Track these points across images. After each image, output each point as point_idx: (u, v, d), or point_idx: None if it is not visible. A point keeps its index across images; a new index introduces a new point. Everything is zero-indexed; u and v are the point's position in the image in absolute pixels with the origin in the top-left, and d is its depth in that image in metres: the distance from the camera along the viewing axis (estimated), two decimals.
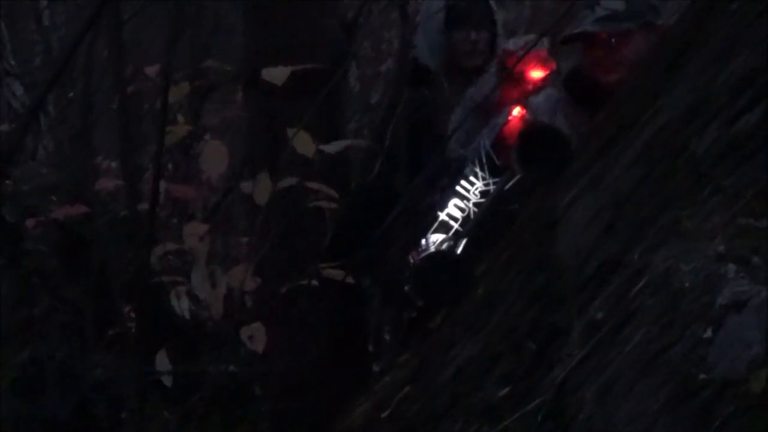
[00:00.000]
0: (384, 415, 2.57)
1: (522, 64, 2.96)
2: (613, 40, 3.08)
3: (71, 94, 5.40)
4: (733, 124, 1.83)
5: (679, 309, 1.54)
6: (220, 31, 5.75)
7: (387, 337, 3.79)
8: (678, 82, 2.19)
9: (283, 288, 3.01)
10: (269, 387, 3.71)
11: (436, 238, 2.91)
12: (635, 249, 1.82)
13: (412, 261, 2.91)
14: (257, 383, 3.69)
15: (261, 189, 2.76)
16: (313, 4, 3.88)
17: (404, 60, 3.40)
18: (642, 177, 2.04)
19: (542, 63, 3.00)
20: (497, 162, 2.92)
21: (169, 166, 5.57)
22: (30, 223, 3.70)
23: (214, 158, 2.64)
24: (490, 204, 2.92)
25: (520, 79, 3.01)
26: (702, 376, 1.39)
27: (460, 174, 2.94)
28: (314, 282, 2.88)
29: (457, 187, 2.94)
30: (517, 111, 2.94)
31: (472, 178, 2.94)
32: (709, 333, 1.44)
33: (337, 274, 2.82)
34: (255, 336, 2.67)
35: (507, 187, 2.91)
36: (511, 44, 3.23)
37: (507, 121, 2.95)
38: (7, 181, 3.88)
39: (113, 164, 5.32)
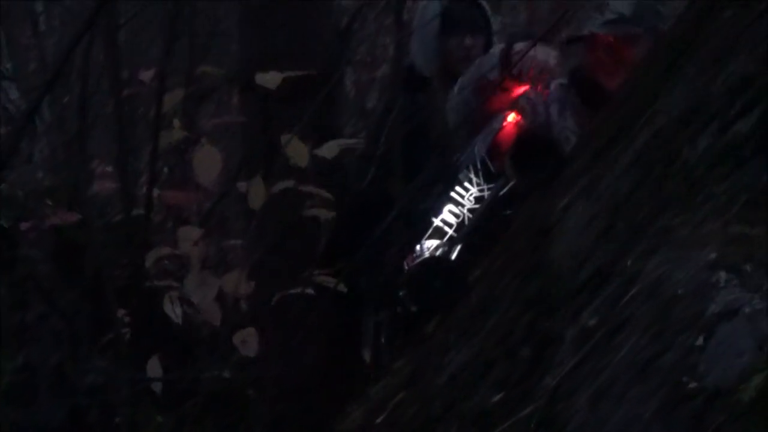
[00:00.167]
0: (378, 420, 2.57)
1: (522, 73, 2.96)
2: (617, 43, 3.08)
3: (67, 99, 5.40)
4: (727, 130, 1.83)
5: (672, 316, 1.54)
6: (216, 35, 5.75)
7: (382, 342, 3.79)
8: (673, 88, 2.19)
9: (278, 294, 3.00)
10: (263, 392, 3.71)
11: (430, 244, 2.92)
12: (628, 256, 1.83)
13: (406, 266, 2.91)
14: (251, 388, 3.69)
15: (255, 193, 2.76)
16: (309, 9, 3.88)
17: (399, 65, 3.40)
18: (636, 183, 2.05)
19: (534, 78, 2.98)
20: (492, 168, 2.93)
21: (165, 170, 5.57)
22: (24, 227, 3.69)
23: (207, 164, 2.64)
24: (484, 210, 2.92)
25: (516, 84, 3.01)
26: (693, 384, 1.39)
27: (455, 180, 2.95)
28: (308, 289, 2.88)
29: (452, 193, 2.95)
30: (511, 117, 2.94)
31: (466, 184, 2.94)
32: (701, 341, 1.44)
33: (330, 280, 2.82)
34: (247, 341, 2.67)
35: (501, 193, 2.91)
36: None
37: (501, 127, 2.95)
38: (2, 185, 3.88)
39: (109, 168, 5.32)
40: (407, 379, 2.63)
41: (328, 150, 2.93)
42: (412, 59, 3.57)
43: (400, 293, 2.85)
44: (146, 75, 2.88)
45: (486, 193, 2.93)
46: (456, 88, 3.17)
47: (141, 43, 5.98)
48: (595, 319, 1.78)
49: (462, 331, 2.47)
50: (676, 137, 2.00)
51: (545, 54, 3.01)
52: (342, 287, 2.84)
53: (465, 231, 2.91)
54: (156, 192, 3.11)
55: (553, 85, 3.20)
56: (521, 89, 2.99)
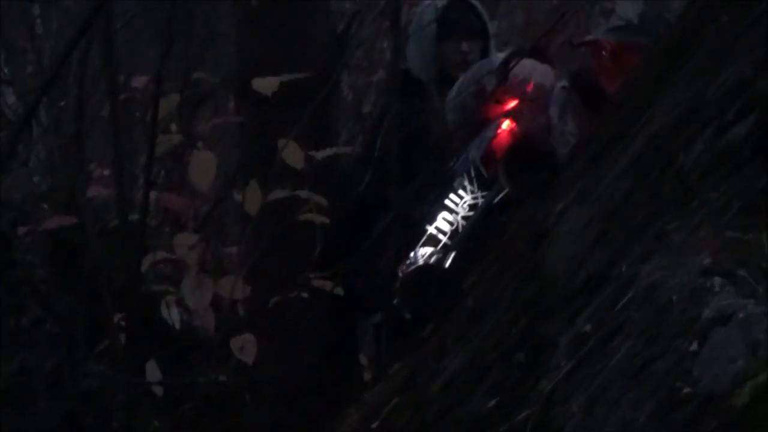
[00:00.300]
0: (374, 425, 2.57)
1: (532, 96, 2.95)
2: (622, 51, 3.08)
3: (63, 102, 5.39)
4: (722, 136, 1.84)
5: (666, 321, 1.55)
6: (213, 39, 5.75)
7: (378, 346, 3.79)
8: (669, 92, 2.20)
9: (274, 298, 3.01)
10: (260, 396, 3.71)
11: (424, 252, 2.92)
12: (623, 261, 1.83)
13: (400, 274, 2.91)
14: (248, 392, 3.69)
15: (252, 199, 2.76)
16: (305, 13, 3.88)
17: (395, 70, 3.41)
18: (631, 188, 2.05)
19: (521, 99, 2.97)
20: (486, 175, 2.93)
21: (161, 174, 5.57)
22: (21, 231, 3.70)
23: (203, 168, 2.64)
24: (478, 217, 2.92)
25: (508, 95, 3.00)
26: (687, 389, 1.40)
27: (449, 187, 2.95)
28: (304, 293, 2.88)
29: (446, 201, 2.95)
30: (506, 124, 2.94)
31: (460, 192, 2.94)
32: (695, 346, 1.45)
33: (326, 284, 2.83)
34: (245, 347, 2.67)
35: (495, 200, 2.91)
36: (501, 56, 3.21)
37: (496, 135, 2.95)
38: None
39: (105, 172, 5.32)
40: (403, 384, 2.64)
41: (323, 153, 2.93)
42: (408, 64, 3.58)
43: (394, 301, 2.85)
44: (142, 80, 2.89)
45: (480, 201, 2.93)
46: (455, 89, 3.17)
47: (138, 46, 5.98)
48: (590, 324, 1.78)
49: (457, 336, 2.47)
50: (671, 142, 2.01)
51: (543, 75, 3.00)
52: (339, 290, 2.85)
53: (459, 238, 2.90)
54: (153, 196, 3.11)
55: (555, 89, 3.20)
56: (514, 103, 2.99)
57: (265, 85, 2.72)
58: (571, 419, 1.65)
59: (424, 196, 3.04)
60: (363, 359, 4.19)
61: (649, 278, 1.67)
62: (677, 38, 2.45)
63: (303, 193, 2.84)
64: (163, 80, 2.64)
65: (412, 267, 2.88)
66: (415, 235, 2.94)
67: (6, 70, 5.73)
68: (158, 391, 2.73)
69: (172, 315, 2.95)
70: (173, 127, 3.20)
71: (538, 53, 3.04)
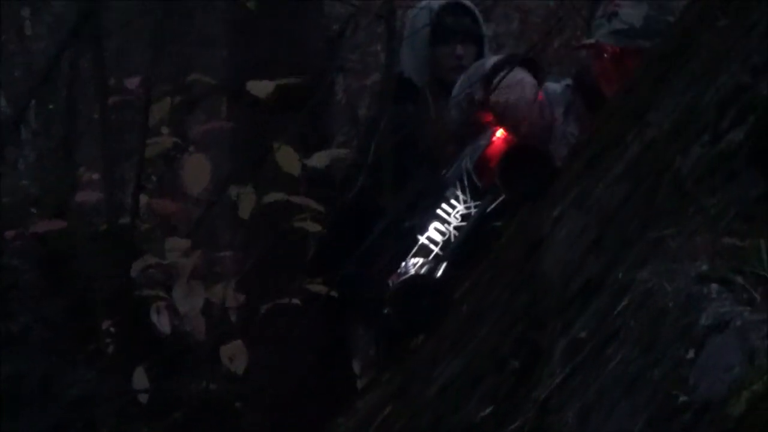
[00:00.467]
0: None
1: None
2: (624, 55, 3.06)
3: (53, 105, 5.39)
4: (718, 142, 1.84)
5: (662, 329, 1.55)
6: (206, 43, 5.75)
7: (371, 354, 3.79)
8: (665, 98, 2.20)
9: (266, 305, 3.01)
10: (251, 405, 3.71)
11: (415, 262, 2.91)
12: (619, 267, 1.83)
13: (391, 284, 2.90)
14: (239, 401, 3.69)
15: (245, 203, 2.76)
16: (298, 17, 3.89)
17: (390, 74, 3.40)
18: (627, 194, 2.05)
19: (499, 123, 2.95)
20: (479, 185, 2.91)
21: (153, 178, 5.56)
22: (9, 235, 3.68)
23: (196, 172, 2.64)
24: (471, 228, 2.90)
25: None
26: (683, 398, 1.40)
27: (442, 197, 2.93)
28: (296, 300, 2.88)
29: (438, 210, 2.93)
30: (500, 132, 2.93)
31: (453, 201, 2.93)
32: (691, 354, 1.45)
33: (319, 291, 2.82)
34: (236, 355, 2.67)
35: (489, 210, 2.90)
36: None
37: (490, 143, 2.94)
38: None
39: (95, 176, 5.31)
40: (396, 392, 2.63)
41: (319, 160, 2.93)
42: (401, 68, 3.57)
43: (385, 311, 2.84)
44: (133, 82, 2.89)
45: (473, 211, 2.92)
46: (456, 88, 3.16)
47: (130, 50, 5.98)
48: (585, 331, 1.78)
49: (451, 343, 2.47)
50: (668, 147, 2.01)
51: (519, 98, 2.95)
52: (331, 297, 2.84)
53: (451, 249, 2.89)
54: (144, 200, 3.11)
55: (560, 87, 3.19)
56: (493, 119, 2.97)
57: (260, 88, 2.73)
58: (566, 428, 1.65)
59: (417, 205, 3.03)
60: (356, 366, 4.19)
61: (645, 285, 1.67)
62: (674, 42, 2.46)
63: (297, 199, 2.84)
64: (155, 83, 2.65)
65: (403, 277, 2.87)
66: (407, 245, 2.93)
67: None
68: (143, 398, 2.73)
69: (162, 321, 2.94)
70: (165, 130, 3.20)
71: (529, 63, 3.02)
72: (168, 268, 2.86)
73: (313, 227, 2.80)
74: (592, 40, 3.16)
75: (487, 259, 2.71)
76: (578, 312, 1.88)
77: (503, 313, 2.25)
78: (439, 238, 2.92)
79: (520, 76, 2.95)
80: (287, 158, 2.70)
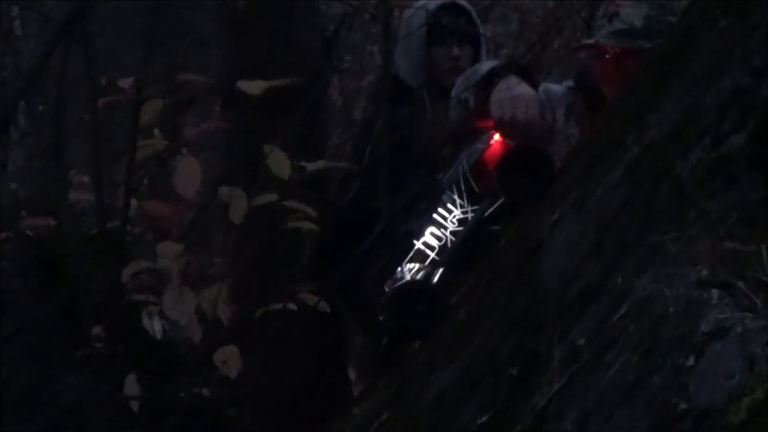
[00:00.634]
0: None
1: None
2: (624, 56, 3.07)
3: (42, 106, 5.39)
4: (719, 145, 1.85)
5: (662, 335, 1.55)
6: (198, 43, 5.75)
7: (367, 360, 3.79)
8: (665, 101, 2.20)
9: (259, 311, 3.00)
10: (244, 411, 3.71)
11: (411, 267, 2.90)
12: (618, 273, 1.83)
13: (386, 289, 2.89)
14: (232, 407, 3.68)
15: (237, 207, 2.76)
16: (293, 17, 3.89)
17: (386, 75, 3.40)
18: (626, 199, 2.05)
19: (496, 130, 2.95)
20: (476, 189, 2.91)
21: (145, 181, 5.56)
22: None
23: (187, 175, 2.64)
24: (468, 232, 2.90)
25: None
26: (683, 405, 1.40)
27: (438, 201, 2.93)
28: (290, 305, 2.88)
29: (434, 215, 2.93)
30: (497, 136, 2.93)
31: (449, 206, 2.92)
32: (691, 361, 1.45)
33: (311, 298, 2.82)
34: (229, 360, 2.66)
35: (486, 214, 2.89)
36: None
37: (488, 146, 2.94)
38: None
39: (86, 179, 5.31)
40: (391, 399, 2.63)
41: (313, 165, 2.93)
42: (396, 69, 3.57)
43: (380, 318, 2.84)
44: (125, 83, 2.88)
45: (470, 215, 2.91)
46: (453, 92, 3.16)
47: (122, 49, 5.98)
48: (584, 337, 1.78)
49: (447, 349, 2.47)
50: (668, 151, 2.01)
51: (526, 105, 2.95)
52: (324, 306, 2.84)
53: (447, 254, 2.89)
54: (135, 203, 3.11)
55: (561, 88, 3.20)
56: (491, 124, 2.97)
57: (252, 86, 2.72)
58: None
59: (413, 208, 3.03)
60: (352, 372, 4.19)
61: (645, 291, 1.67)
62: (674, 43, 2.46)
63: (290, 203, 2.84)
64: (146, 83, 2.64)
65: (399, 283, 2.86)
66: (403, 250, 2.92)
67: None
68: (134, 405, 2.72)
69: (154, 326, 2.94)
70: (156, 132, 3.20)
71: (521, 71, 3.02)
72: (159, 273, 2.85)
73: (307, 225, 2.79)
74: (592, 41, 3.17)
75: (484, 263, 2.71)
76: (577, 318, 1.88)
77: (501, 318, 2.25)
78: (435, 243, 2.92)
79: (523, 90, 2.94)
80: (279, 162, 2.69)
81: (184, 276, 2.76)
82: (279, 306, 2.91)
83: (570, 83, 3.25)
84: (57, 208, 3.30)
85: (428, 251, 2.91)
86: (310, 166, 2.86)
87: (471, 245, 2.90)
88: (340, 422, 2.93)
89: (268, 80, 2.78)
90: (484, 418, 1.99)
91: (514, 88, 2.90)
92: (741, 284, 1.54)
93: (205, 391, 2.95)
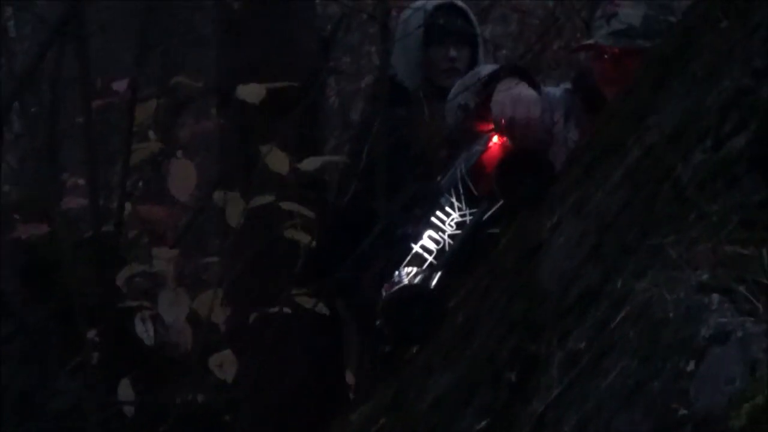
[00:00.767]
0: None
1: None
2: (623, 56, 3.07)
3: (36, 108, 5.39)
4: (720, 147, 1.84)
5: (661, 340, 1.55)
6: (194, 43, 5.75)
7: (364, 365, 3.78)
8: (664, 103, 2.20)
9: (255, 314, 3.00)
10: (240, 417, 3.71)
11: (409, 271, 2.90)
12: (618, 276, 1.83)
13: (383, 293, 2.89)
14: (228, 413, 3.68)
15: (233, 209, 2.75)
16: (289, 17, 3.88)
17: (383, 76, 3.40)
18: (626, 202, 2.05)
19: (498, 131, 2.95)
20: (475, 192, 2.91)
21: (140, 184, 5.56)
22: None
23: (182, 177, 2.64)
24: (466, 236, 2.90)
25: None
26: (683, 411, 1.40)
27: (436, 204, 2.92)
28: (287, 308, 2.87)
29: (432, 218, 2.92)
30: (497, 138, 2.93)
31: (447, 209, 2.92)
32: (691, 366, 1.45)
33: (309, 300, 2.82)
34: (224, 364, 2.66)
35: (484, 218, 2.89)
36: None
37: (486, 148, 2.93)
38: None
39: (81, 182, 5.31)
40: (389, 404, 2.63)
41: (310, 164, 2.92)
42: (393, 70, 3.57)
43: (377, 322, 2.84)
44: (120, 84, 2.88)
45: (468, 219, 2.91)
46: (450, 96, 3.16)
47: (115, 50, 5.98)
48: (583, 342, 1.78)
49: (445, 354, 2.47)
50: (668, 153, 2.01)
51: (527, 105, 2.94)
52: (321, 308, 2.83)
53: (445, 258, 2.89)
54: (129, 207, 3.10)
55: (559, 91, 3.20)
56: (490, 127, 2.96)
57: (251, 93, 2.71)
58: None
59: (410, 211, 3.02)
60: (349, 377, 4.18)
61: (645, 294, 1.67)
62: (675, 45, 2.46)
63: (287, 205, 2.83)
64: (142, 85, 2.64)
65: (396, 287, 2.86)
66: (400, 253, 2.92)
67: None
68: (128, 410, 2.72)
69: (148, 331, 2.94)
70: (151, 134, 3.19)
71: (522, 73, 3.01)
72: (154, 277, 2.85)
73: (303, 237, 2.78)
74: (590, 41, 3.17)
75: (483, 266, 2.71)
76: (576, 322, 1.88)
77: (499, 322, 2.25)
78: (433, 246, 2.91)
79: (524, 90, 2.93)
80: (277, 161, 2.69)
81: (180, 279, 2.76)
82: (276, 309, 2.90)
83: (567, 86, 3.25)
84: (50, 212, 3.30)
85: (426, 255, 2.91)
86: (307, 164, 2.86)
87: (469, 249, 2.89)
88: (338, 427, 2.93)
89: (264, 81, 2.78)
90: (483, 424, 1.99)
91: (515, 88, 2.90)
92: (742, 288, 1.53)
93: (200, 397, 2.95)
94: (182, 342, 2.70)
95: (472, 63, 3.60)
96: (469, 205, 2.91)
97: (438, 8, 3.58)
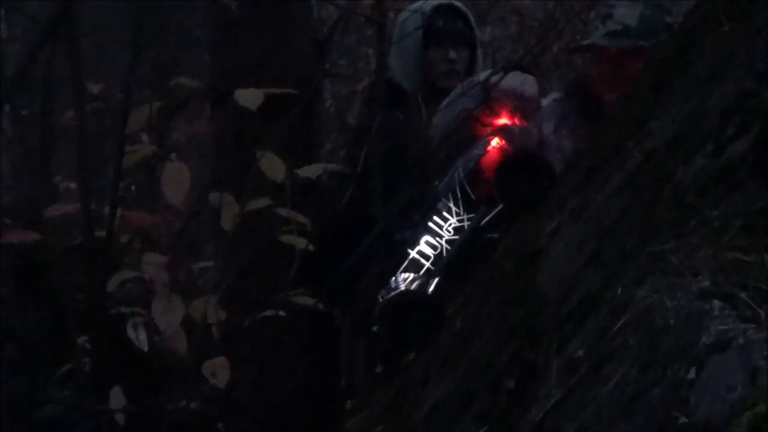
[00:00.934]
0: None
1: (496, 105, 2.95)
2: (620, 56, 3.08)
3: (25, 111, 5.40)
4: (721, 152, 1.85)
5: (662, 347, 1.55)
6: (188, 45, 5.76)
7: (360, 371, 3.78)
8: (665, 107, 2.20)
9: (249, 319, 3.00)
10: (234, 425, 3.70)
11: (406, 277, 2.90)
12: (618, 283, 1.83)
13: (380, 299, 2.89)
14: (221, 420, 3.68)
15: (228, 213, 2.76)
16: (285, 19, 3.88)
17: (380, 79, 3.40)
18: (626, 207, 2.06)
19: (511, 112, 2.97)
20: (472, 196, 2.91)
21: (132, 188, 5.56)
22: None
23: (176, 181, 2.63)
24: (464, 241, 2.90)
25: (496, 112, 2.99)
26: (683, 419, 1.40)
27: (433, 209, 2.93)
28: (282, 313, 2.87)
29: (430, 223, 2.93)
30: (495, 142, 2.94)
31: (445, 214, 2.92)
32: (691, 374, 1.45)
33: (307, 300, 2.82)
34: (218, 371, 2.66)
35: (482, 222, 2.89)
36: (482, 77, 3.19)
37: (485, 152, 2.94)
38: None
39: (73, 186, 5.31)
40: (386, 411, 2.63)
41: (308, 171, 2.93)
42: (390, 73, 3.57)
43: (374, 328, 2.84)
44: (112, 87, 2.88)
45: (466, 224, 2.91)
46: (444, 102, 3.17)
47: (108, 52, 5.99)
48: (582, 349, 1.78)
49: (443, 361, 2.47)
50: (669, 157, 2.01)
51: (530, 85, 2.99)
52: (320, 306, 2.84)
53: (443, 263, 2.89)
54: (122, 212, 3.10)
55: (545, 102, 3.21)
56: (503, 120, 2.98)
57: (248, 97, 2.71)
58: None
59: (407, 216, 3.02)
60: (345, 384, 4.18)
61: (645, 301, 1.67)
62: (676, 47, 2.46)
63: (282, 211, 2.84)
64: (135, 87, 2.64)
65: (393, 293, 2.86)
66: (397, 259, 2.92)
67: None
68: (120, 418, 2.72)
69: (140, 337, 2.94)
70: (145, 137, 3.19)
71: (523, 70, 3.04)
72: (146, 283, 2.85)
73: (299, 242, 2.79)
74: (587, 42, 3.18)
75: (481, 272, 2.71)
76: (575, 329, 1.88)
77: (498, 328, 2.25)
78: (430, 252, 2.92)
79: (529, 77, 2.98)
80: (272, 166, 2.69)
81: (173, 284, 2.76)
82: (271, 312, 2.90)
83: (556, 96, 3.25)
84: (42, 217, 3.30)
85: (423, 260, 2.91)
86: (306, 171, 2.86)
87: (467, 254, 2.90)
88: None
89: (260, 83, 2.78)
90: (481, 431, 1.99)
91: (522, 75, 2.95)
92: (743, 295, 1.54)
93: (193, 404, 2.95)
94: (176, 348, 2.70)
95: (472, 65, 3.60)
96: (467, 210, 2.92)
97: (436, 9, 3.58)
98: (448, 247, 2.91)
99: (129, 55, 3.13)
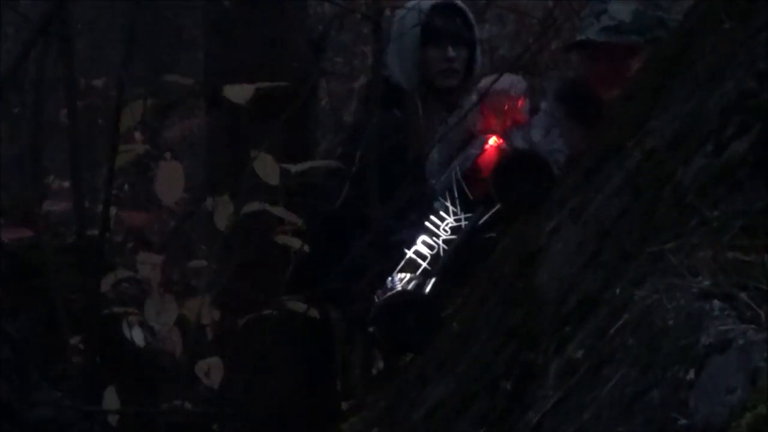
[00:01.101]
0: None
1: (498, 105, 2.96)
2: (615, 52, 3.09)
3: (19, 109, 5.38)
4: (721, 152, 1.85)
5: (661, 348, 1.56)
6: (182, 43, 5.75)
7: (356, 373, 3.78)
8: (665, 107, 2.21)
9: (243, 320, 3.00)
10: (229, 426, 3.70)
11: (402, 277, 2.91)
12: (617, 284, 1.84)
13: (376, 299, 2.90)
14: (216, 422, 3.68)
15: (222, 214, 2.76)
16: (280, 17, 3.88)
17: (377, 78, 3.40)
18: (626, 207, 2.06)
19: (513, 112, 2.98)
20: (470, 196, 2.91)
21: (126, 187, 5.56)
22: None
23: (170, 181, 2.63)
24: (461, 241, 2.90)
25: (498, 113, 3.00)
26: (682, 421, 1.40)
27: (430, 209, 2.93)
28: (276, 314, 2.88)
29: (427, 223, 2.93)
30: (493, 141, 2.94)
31: (442, 213, 2.93)
32: (691, 375, 1.45)
33: (300, 306, 2.82)
34: (212, 371, 2.66)
35: (480, 222, 2.90)
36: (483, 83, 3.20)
37: (482, 151, 2.94)
38: None
39: (65, 185, 5.31)
40: (382, 414, 2.64)
41: (299, 167, 2.93)
42: (388, 71, 3.57)
43: (370, 329, 2.84)
44: (105, 85, 2.88)
45: (463, 223, 2.92)
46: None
47: (101, 50, 5.98)
48: (581, 351, 1.79)
49: (440, 363, 2.47)
50: (669, 158, 2.02)
51: (516, 85, 3.00)
52: (313, 312, 2.84)
53: (440, 264, 2.89)
54: (115, 211, 3.10)
55: (540, 107, 3.21)
56: (494, 124, 2.98)
57: (238, 93, 2.71)
58: None
59: (404, 216, 3.03)
60: (340, 386, 4.18)
61: (644, 302, 1.67)
62: (676, 47, 2.47)
63: (277, 211, 2.84)
64: (128, 85, 2.64)
65: (389, 293, 2.86)
66: (394, 259, 2.93)
67: None
68: (113, 420, 2.72)
69: (134, 338, 2.94)
70: (138, 136, 3.19)
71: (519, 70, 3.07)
72: (140, 282, 2.85)
73: (294, 242, 2.79)
74: (582, 38, 3.19)
75: (479, 273, 2.72)
76: (574, 330, 1.88)
77: (495, 330, 2.26)
78: (427, 252, 2.92)
79: (510, 77, 2.99)
80: (266, 167, 2.69)
81: (167, 285, 2.76)
82: (266, 312, 2.91)
83: (544, 105, 3.26)
84: (34, 216, 3.30)
85: (420, 261, 2.91)
86: (296, 167, 2.86)
87: (465, 254, 2.90)
88: None
89: (255, 82, 2.78)
90: None
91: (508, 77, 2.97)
92: (743, 295, 1.54)
93: (188, 405, 2.95)
94: (170, 349, 2.71)
95: (470, 63, 3.60)
96: (464, 210, 2.92)
97: (435, 7, 3.57)
98: (445, 247, 2.91)
99: (122, 54, 3.13)
